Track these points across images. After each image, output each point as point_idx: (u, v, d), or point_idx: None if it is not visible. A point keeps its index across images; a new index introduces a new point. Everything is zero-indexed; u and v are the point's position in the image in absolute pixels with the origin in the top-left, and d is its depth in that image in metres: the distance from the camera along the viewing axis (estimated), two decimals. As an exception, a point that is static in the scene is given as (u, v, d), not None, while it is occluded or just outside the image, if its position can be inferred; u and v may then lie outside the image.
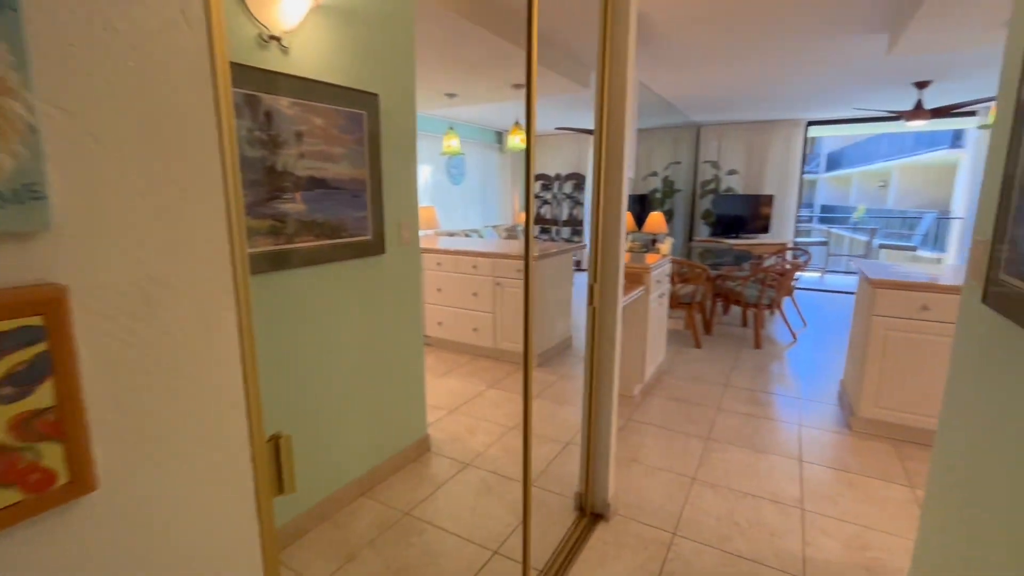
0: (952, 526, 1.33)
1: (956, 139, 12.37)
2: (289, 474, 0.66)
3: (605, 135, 1.78)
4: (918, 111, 4.77)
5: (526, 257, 1.38)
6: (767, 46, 3.60)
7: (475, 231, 6.52)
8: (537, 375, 3.64)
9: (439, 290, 4.06)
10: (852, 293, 6.96)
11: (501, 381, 3.54)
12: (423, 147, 6.08)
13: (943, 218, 7.87)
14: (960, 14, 2.62)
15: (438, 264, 4.02)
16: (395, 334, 2.30)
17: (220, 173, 0.56)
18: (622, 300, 1.90)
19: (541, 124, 6.84)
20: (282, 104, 1.70)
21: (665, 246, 4.58)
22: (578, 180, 8.21)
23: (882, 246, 8.72)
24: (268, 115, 1.67)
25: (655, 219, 5.11)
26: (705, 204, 7.59)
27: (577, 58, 3.96)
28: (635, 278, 3.20)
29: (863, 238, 9.12)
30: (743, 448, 2.67)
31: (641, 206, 7.34)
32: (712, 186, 7.41)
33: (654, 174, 7.53)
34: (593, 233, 1.84)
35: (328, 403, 2.01)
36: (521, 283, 3.68)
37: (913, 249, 8.61)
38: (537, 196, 8.51)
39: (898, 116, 5.01)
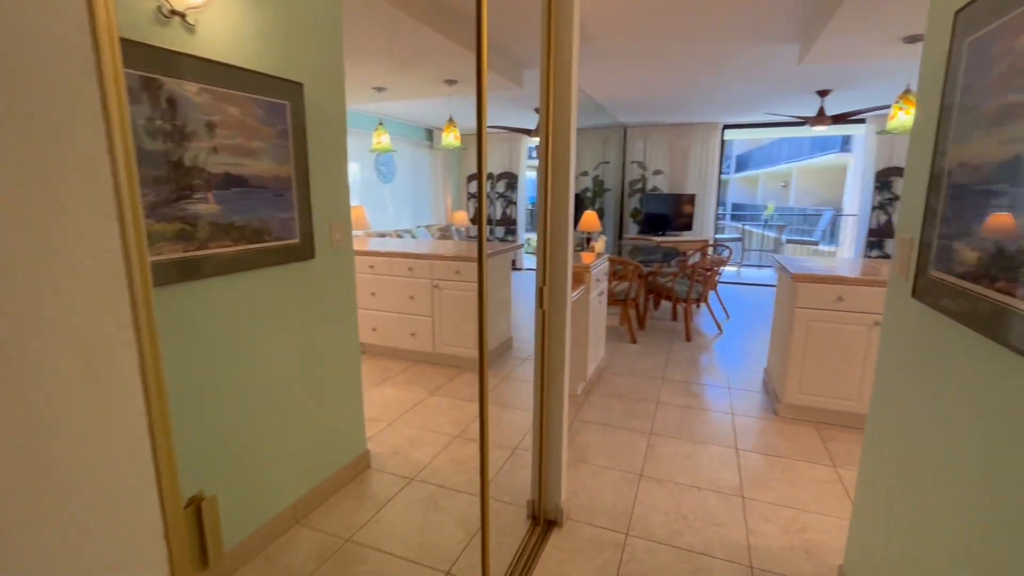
0: (884, 502, 1.41)
1: (845, 144, 13.76)
2: (215, 542, 0.53)
3: (551, 136, 1.73)
4: (821, 117, 5.20)
5: (479, 257, 1.29)
6: (690, 51, 3.74)
7: (407, 231, 6.30)
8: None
9: (373, 294, 3.86)
10: (766, 286, 7.50)
11: (443, 387, 3.42)
12: (350, 144, 5.78)
13: (839, 215, 8.69)
14: (863, 30, 2.85)
15: (371, 267, 3.81)
16: (328, 345, 2.11)
17: (109, 168, 0.43)
18: (571, 302, 1.86)
19: (475, 122, 6.75)
20: (189, 90, 1.49)
21: (600, 244, 4.65)
22: (510, 179, 8.20)
23: (789, 241, 9.47)
24: (172, 102, 1.45)
25: (589, 218, 5.19)
26: (633, 203, 7.85)
27: (512, 56, 3.90)
28: (576, 277, 3.20)
29: (772, 234, 9.87)
30: (684, 440, 2.74)
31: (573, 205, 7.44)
32: (640, 185, 7.67)
33: (585, 173, 7.67)
34: (540, 235, 1.78)
35: (253, 425, 1.80)
36: (461, 285, 3.57)
37: (815, 244, 9.44)
38: (473, 195, 8.40)
39: (804, 121, 5.43)
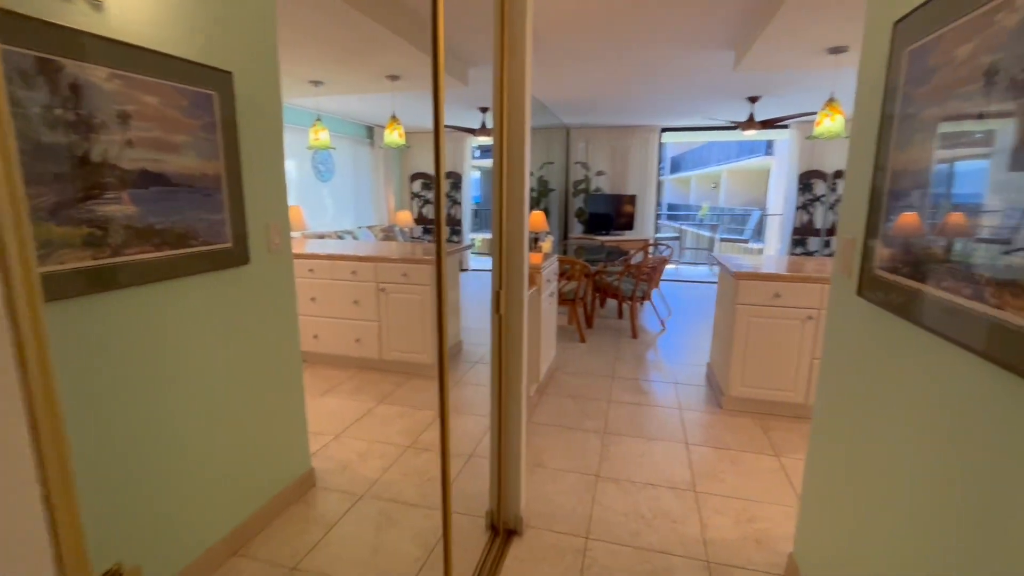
0: (832, 491, 1.47)
1: (769, 148, 14.71)
2: (140, 623, 0.43)
3: (506, 136, 1.67)
4: (751, 122, 5.48)
5: (438, 258, 1.21)
6: (632, 55, 3.82)
7: (348, 232, 6.05)
8: (430, 384, 3.45)
9: (313, 299, 3.65)
10: (703, 282, 7.85)
11: (391, 394, 3.28)
12: (286, 140, 5.46)
13: (766, 215, 9.26)
14: (793, 40, 3.01)
15: (311, 271, 3.60)
16: (266, 357, 1.95)
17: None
18: (527, 306, 1.82)
19: (419, 120, 6.57)
20: (96, 76, 1.30)
21: (547, 244, 4.67)
22: (455, 179, 8.08)
23: (722, 240, 9.97)
24: (75, 88, 1.26)
25: (536, 218, 5.19)
26: (578, 203, 7.96)
27: (457, 54, 3.81)
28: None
29: (707, 233, 10.35)
30: (637, 438, 2.78)
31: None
32: (583, 186, 7.79)
33: (530, 173, 7.69)
34: (496, 238, 1.72)
35: (180, 451, 1.62)
36: (409, 288, 3.44)
37: (746, 242, 9.99)
38: (418, 195, 8.20)
39: (736, 126, 5.71)
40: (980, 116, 0.88)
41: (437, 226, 1.19)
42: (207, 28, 1.60)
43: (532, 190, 7.61)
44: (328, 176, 6.28)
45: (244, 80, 1.75)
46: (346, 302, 3.57)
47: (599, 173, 7.84)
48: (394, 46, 3.20)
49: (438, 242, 1.21)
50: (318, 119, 4.08)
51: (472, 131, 5.80)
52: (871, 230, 1.28)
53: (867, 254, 1.30)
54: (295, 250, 3.68)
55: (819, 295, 2.89)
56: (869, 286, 1.28)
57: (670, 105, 5.96)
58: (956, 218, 0.94)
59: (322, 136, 4.01)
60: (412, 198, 8.21)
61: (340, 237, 5.74)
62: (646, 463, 2.51)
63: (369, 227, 6.62)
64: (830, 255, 7.16)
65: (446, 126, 6.01)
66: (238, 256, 1.77)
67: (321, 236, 5.53)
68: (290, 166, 5.72)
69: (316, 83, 3.95)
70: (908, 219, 1.15)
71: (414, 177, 8.18)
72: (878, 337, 1.26)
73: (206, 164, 1.62)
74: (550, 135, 7.72)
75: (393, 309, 3.49)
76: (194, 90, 1.56)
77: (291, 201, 5.69)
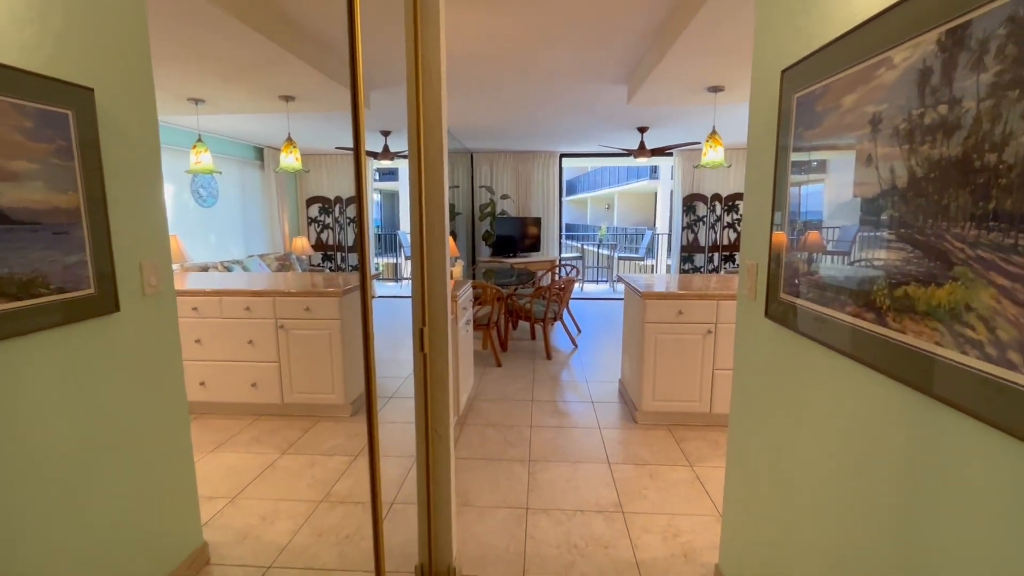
0: (751, 502, 1.55)
1: (653, 172, 16.08)
2: None
3: (423, 160, 1.60)
4: (642, 150, 5.92)
5: (363, 286, 1.09)
6: (534, 86, 3.94)
7: (237, 262, 5.50)
8: (341, 428, 3.18)
9: (198, 342, 3.22)
10: (606, 299, 8.24)
11: (297, 442, 2.97)
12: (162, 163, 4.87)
13: (658, 234, 10.03)
14: (678, 79, 3.29)
15: (195, 309, 3.18)
16: (142, 420, 1.65)
17: None
18: (452, 342, 1.74)
19: (317, 142, 6.22)
20: (-103, 87, 1.03)
21: (457, 269, 4.61)
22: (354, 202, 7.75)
23: (621, 258, 10.60)
24: None
25: (446, 243, 5.11)
26: (484, 226, 8.01)
27: (355, 74, 3.66)
28: (442, 307, 3.07)
29: (606, 252, 10.95)
30: (562, 462, 2.77)
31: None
32: (489, 209, 7.87)
33: (435, 197, 7.61)
34: (416, 272, 1.63)
35: (28, 547, 1.30)
36: (313, 324, 3.17)
37: (641, 259, 10.71)
38: (315, 220, 7.72)
39: (629, 153, 6.13)
40: (868, 159, 0.98)
41: (361, 254, 1.08)
42: (58, 35, 1.34)
43: (438, 214, 7.52)
44: (211, 201, 5.70)
45: (109, 97, 1.49)
46: (239, 343, 3.20)
47: (504, 196, 7.97)
48: (288, 65, 2.98)
49: (362, 271, 1.10)
50: (199, 139, 3.68)
51: (375, 155, 5.61)
52: (774, 258, 1.38)
53: (771, 278, 1.40)
54: (178, 287, 3.24)
55: (715, 311, 3.13)
56: (774, 308, 1.38)
57: (569, 132, 6.25)
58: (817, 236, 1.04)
59: (203, 159, 3.61)
60: (309, 223, 7.72)
61: (228, 268, 5.19)
62: (572, 488, 2.51)
63: (262, 256, 6.09)
64: (714, 270, 7.90)
65: (348, 148, 5.75)
66: (104, 303, 1.49)
67: (205, 268, 4.96)
68: (166, 191, 5.09)
69: (197, 101, 3.56)
70: (779, 238, 1.26)
71: (311, 201, 7.71)
72: (785, 355, 1.35)
73: (59, 196, 1.35)
74: (454, 159, 7.73)
75: (296, 347, 3.19)
76: (41, 108, 1.30)
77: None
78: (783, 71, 1.32)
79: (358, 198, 1.06)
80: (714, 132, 3.54)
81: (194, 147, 3.60)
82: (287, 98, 3.51)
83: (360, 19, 1.43)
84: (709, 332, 3.15)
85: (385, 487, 2.53)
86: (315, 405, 3.28)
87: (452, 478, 1.77)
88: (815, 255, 1.18)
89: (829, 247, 1.13)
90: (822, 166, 1.16)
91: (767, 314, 1.44)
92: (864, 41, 0.99)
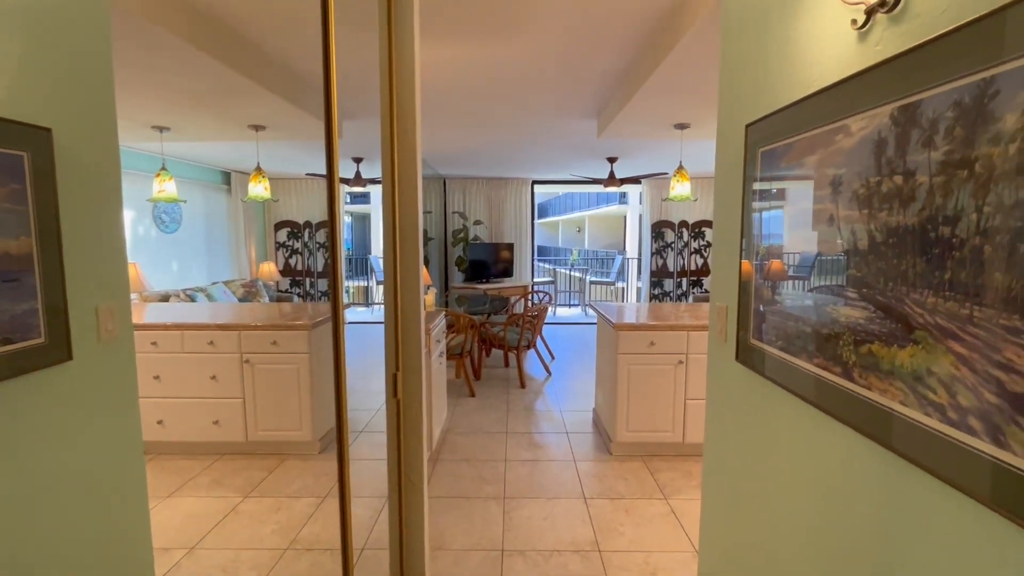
0: (726, 540, 1.55)
1: (622, 198, 16.50)
2: None
3: (398, 196, 1.59)
4: (612, 179, 6.06)
5: (335, 318, 1.06)
6: (507, 118, 4.01)
7: (200, 290, 5.31)
8: (309, 466, 3.06)
9: (157, 378, 3.07)
10: (579, 323, 8.30)
11: (261, 484, 2.84)
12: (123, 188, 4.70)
13: (628, 258, 10.22)
14: (646, 117, 3.41)
15: (153, 344, 3.05)
16: (93, 475, 1.55)
17: None
18: (426, 382, 1.70)
19: (287, 167, 6.14)
20: None
21: (430, 297, 4.56)
22: (325, 227, 7.64)
23: (592, 282, 10.73)
24: None
25: (419, 271, 5.07)
26: (457, 251, 8.00)
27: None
28: (415, 341, 3.02)
29: (578, 275, 11.08)
30: (537, 499, 2.73)
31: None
32: (462, 235, 7.88)
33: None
34: (390, 314, 1.60)
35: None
36: (280, 358, 3.07)
37: (612, 283, 10.87)
38: (284, 245, 7.55)
39: (599, 182, 6.27)
40: (831, 219, 1.03)
41: (333, 288, 1.05)
42: (13, 75, 1.29)
43: (411, 239, 7.48)
44: (174, 227, 5.52)
45: (69, 136, 1.44)
46: (201, 378, 3.06)
47: (477, 222, 8.01)
48: (258, 96, 2.95)
49: (334, 305, 1.07)
50: (163, 167, 3.57)
51: (347, 181, 5.56)
52: (743, 304, 1.42)
53: (741, 324, 1.44)
54: (136, 320, 3.09)
55: (686, 341, 3.18)
56: (744, 353, 1.41)
57: (541, 161, 6.36)
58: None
59: (167, 187, 3.50)
60: (278, 248, 7.56)
61: (191, 297, 5.01)
62: (549, 527, 2.47)
63: (227, 282, 5.90)
64: (683, 295, 8.08)
65: (320, 175, 5.68)
66: (54, 353, 1.40)
67: (165, 297, 4.77)
68: (129, 216, 4.91)
69: (162, 129, 3.48)
70: (748, 285, 1.30)
71: (280, 225, 7.57)
72: (754, 398, 1.38)
73: (8, 242, 1.28)
74: (427, 185, 7.74)
75: (262, 382, 3.08)
76: (-6, 150, 1.24)
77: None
78: (747, 125, 1.37)
79: (332, 246, 1.04)
80: (681, 167, 3.67)
81: (158, 175, 3.50)
82: (257, 127, 3.46)
83: (335, 53, 1.43)
84: (680, 362, 3.20)
85: (355, 531, 2.44)
86: (282, 442, 3.16)
87: (426, 526, 1.72)
88: (784, 305, 1.22)
89: (797, 300, 1.17)
90: (788, 218, 1.21)
91: (737, 358, 1.47)
92: (823, 107, 1.05)
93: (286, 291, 7.17)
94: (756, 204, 1.34)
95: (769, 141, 1.26)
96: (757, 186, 1.33)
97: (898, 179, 0.84)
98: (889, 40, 0.88)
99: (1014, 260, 0.65)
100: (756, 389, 1.38)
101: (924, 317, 0.79)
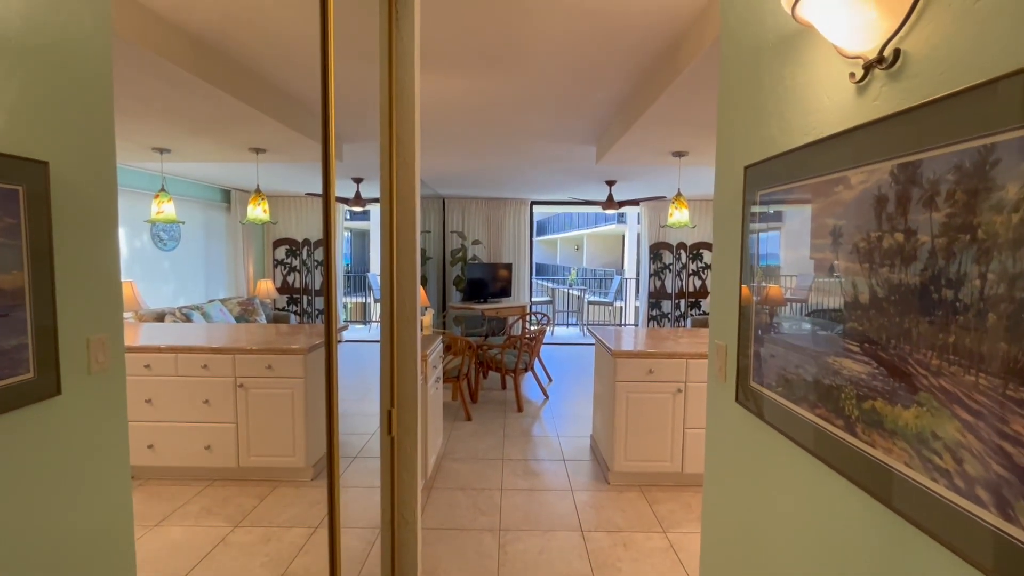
0: (723, 571, 1.52)
1: (620, 218, 16.59)
2: None
3: (396, 224, 1.58)
4: (610, 202, 6.10)
5: (328, 342, 1.04)
6: (506, 143, 4.04)
7: (197, 308, 5.28)
8: (302, 494, 3.00)
9: (149, 402, 3.03)
10: (577, 344, 8.27)
11: (253, 512, 2.78)
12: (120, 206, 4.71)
13: (626, 278, 10.24)
14: (644, 145, 3.44)
15: (147, 367, 3.01)
16: (79, 512, 1.51)
17: None
18: (421, 417, 1.68)
19: (287, 186, 6.17)
20: None
21: (427, 319, 4.54)
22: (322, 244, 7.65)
23: (591, 302, 10.72)
24: None
25: (416, 292, 5.06)
26: (455, 271, 8.00)
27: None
28: (412, 366, 3.00)
29: (576, 293, 11.07)
30: (534, 531, 2.68)
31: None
32: (460, 254, 7.88)
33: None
34: (386, 348, 1.58)
35: None
36: (274, 382, 3.04)
37: (611, 303, 10.86)
38: (282, 263, 7.55)
39: (598, 204, 6.31)
40: (831, 269, 1.02)
41: (327, 309, 1.03)
42: (11, 109, 1.29)
43: (409, 258, 7.48)
44: (172, 245, 5.51)
45: (65, 171, 1.43)
46: (194, 402, 3.02)
47: (475, 242, 8.02)
48: (258, 122, 2.97)
49: (328, 327, 1.05)
50: (162, 188, 3.58)
51: (346, 200, 5.59)
52: (743, 344, 1.41)
53: (741, 366, 1.42)
54: (130, 342, 3.06)
55: (684, 369, 3.16)
56: (744, 396, 1.40)
57: (540, 184, 6.41)
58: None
59: (166, 208, 3.50)
60: (276, 266, 7.55)
61: (186, 316, 4.97)
62: (545, 562, 2.41)
63: (223, 300, 5.87)
64: (680, 316, 8.07)
65: (312, 194, 5.69)
66: (43, 387, 1.38)
67: (161, 317, 4.73)
68: (123, 233, 4.90)
69: (162, 151, 3.49)
70: (748, 328, 1.29)
71: (278, 243, 7.57)
72: (753, 442, 1.36)
73: (1, 277, 1.26)
74: (426, 204, 7.78)
75: (256, 407, 3.04)
76: (-11, 185, 1.23)
77: (122, 276, 4.84)
78: (746, 167, 1.38)
79: (326, 273, 1.03)
80: (679, 195, 3.69)
81: (156, 196, 3.50)
82: (258, 150, 3.48)
83: (333, 80, 1.44)
84: (679, 391, 3.17)
85: (347, 564, 2.38)
86: (274, 469, 3.11)
87: (419, 563, 1.68)
88: (785, 350, 1.20)
89: (798, 347, 1.15)
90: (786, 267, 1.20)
91: (737, 399, 1.45)
92: (821, 157, 1.05)
93: (283, 309, 7.14)
94: (754, 247, 1.34)
95: (767, 185, 1.26)
96: (756, 226, 1.33)
97: (899, 236, 0.84)
98: (887, 97, 0.88)
99: (1020, 331, 0.64)
100: (756, 432, 1.36)
101: (928, 379, 0.78)
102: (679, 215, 3.65)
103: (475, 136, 3.88)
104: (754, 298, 1.34)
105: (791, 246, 1.17)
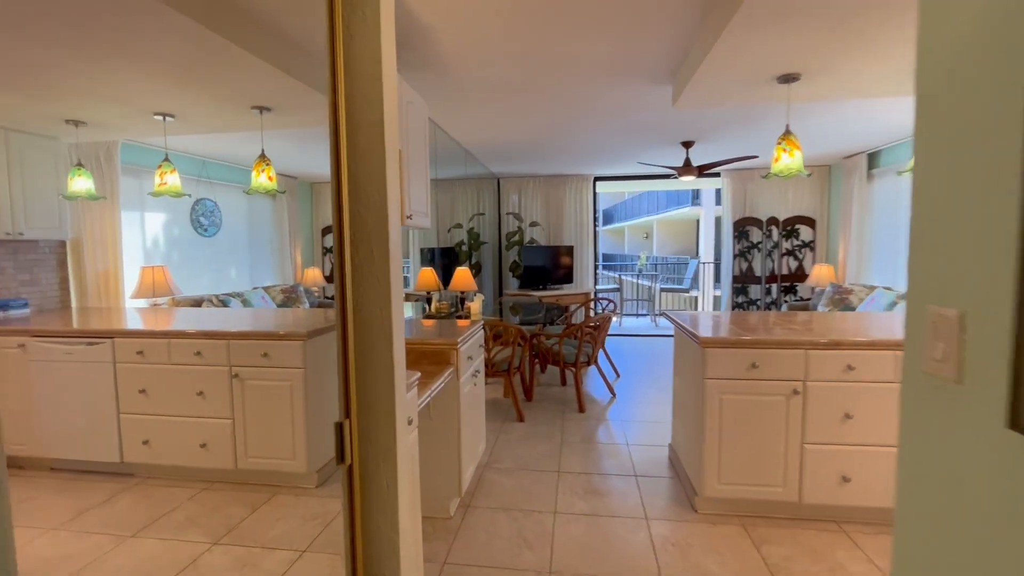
0: None
1: (695, 198, 15.14)
2: None
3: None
4: (687, 167, 5.16)
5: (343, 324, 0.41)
6: (556, 89, 3.30)
7: (237, 295, 5.02)
8: (301, 504, 2.47)
9: (142, 392, 2.63)
10: (648, 335, 7.36)
11: (238, 526, 2.28)
12: (135, 187, 4.49)
13: (703, 263, 9.11)
14: (738, 66, 2.57)
15: (139, 353, 2.61)
16: None
17: None
18: (407, 434, 1.02)
19: (318, 168, 5.80)
20: None
21: (476, 305, 3.92)
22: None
23: (663, 290, 9.70)
24: None
25: (461, 276, 4.46)
26: (512, 256, 7.36)
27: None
28: (440, 357, 2.36)
29: (646, 283, 10.07)
30: (594, 580, 1.96)
31: (449, 259, 6.74)
32: (517, 238, 7.23)
33: (459, 226, 7.05)
34: (341, 338, 0.94)
35: None
36: (271, 373, 2.52)
37: (687, 291, 9.77)
38: (330, 251, 7.28)
39: (672, 171, 5.39)
40: None
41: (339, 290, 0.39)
42: None
43: (461, 243, 6.93)
44: (213, 231, 5.29)
45: None
46: (187, 394, 2.59)
47: (533, 224, 7.33)
48: (255, 69, 2.45)
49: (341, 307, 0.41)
50: (165, 158, 3.20)
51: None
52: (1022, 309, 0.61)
53: (1021, 350, 0.63)
54: (119, 327, 2.68)
55: (803, 363, 2.30)
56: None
57: (604, 151, 5.58)
58: None
59: (169, 180, 3.11)
60: (324, 253, 7.29)
61: (223, 302, 4.70)
62: (611, 632, 1.69)
63: (266, 288, 5.61)
64: (772, 303, 6.91)
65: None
66: None
67: (198, 302, 4.47)
68: (161, 219, 4.70)
69: (165, 116, 3.10)
70: None
71: (327, 230, 7.29)
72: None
73: None
74: (479, 185, 7.19)
75: (252, 401, 2.54)
76: None
77: (157, 261, 4.63)
78: None
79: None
80: (788, 133, 2.78)
81: (159, 167, 3.12)
82: (261, 109, 3.00)
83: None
84: (796, 392, 2.32)
85: (342, 615, 1.79)
86: (272, 472, 2.61)
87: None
88: None
89: None
90: None
91: (1013, 423, 0.66)
92: None
93: (330, 297, 6.84)
94: None
95: None
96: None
97: None
98: None
99: None
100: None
101: None
102: (787, 159, 2.75)
103: (525, 85, 3.18)
104: None
105: None
